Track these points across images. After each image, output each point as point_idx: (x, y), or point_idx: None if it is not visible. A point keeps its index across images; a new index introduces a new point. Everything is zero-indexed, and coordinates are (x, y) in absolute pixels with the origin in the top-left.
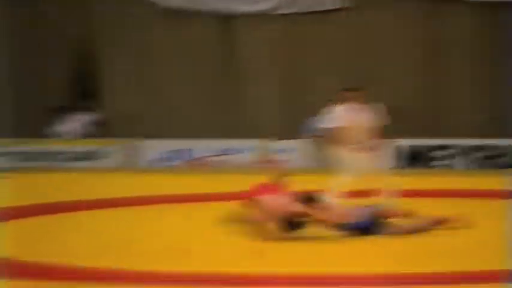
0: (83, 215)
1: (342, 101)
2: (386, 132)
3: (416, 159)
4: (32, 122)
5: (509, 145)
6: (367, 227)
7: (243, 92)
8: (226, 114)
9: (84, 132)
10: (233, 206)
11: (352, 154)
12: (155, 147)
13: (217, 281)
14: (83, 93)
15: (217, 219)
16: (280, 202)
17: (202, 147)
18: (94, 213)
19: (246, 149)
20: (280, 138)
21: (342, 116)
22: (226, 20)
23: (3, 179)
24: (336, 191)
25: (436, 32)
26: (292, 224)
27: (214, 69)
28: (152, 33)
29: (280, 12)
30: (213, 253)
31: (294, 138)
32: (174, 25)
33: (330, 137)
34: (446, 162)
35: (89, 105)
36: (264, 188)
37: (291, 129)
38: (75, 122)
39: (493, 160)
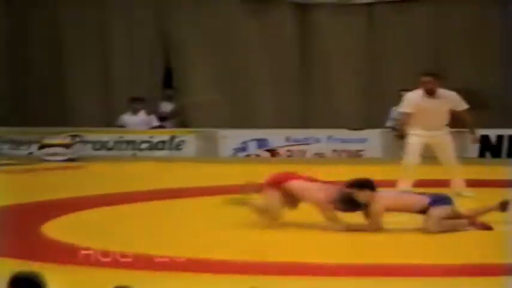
0: (160, 205)
1: (418, 86)
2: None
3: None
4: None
5: None
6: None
7: (321, 82)
8: (303, 103)
9: (162, 123)
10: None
11: (420, 139)
12: (232, 137)
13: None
14: (163, 83)
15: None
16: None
17: (279, 137)
18: (173, 202)
19: (324, 138)
20: (360, 128)
21: (415, 101)
22: (304, 8)
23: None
24: (403, 179)
25: None
26: (352, 203)
27: (292, 59)
28: (229, 21)
29: (358, 1)
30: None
31: (373, 128)
32: (252, 13)
33: (403, 123)
34: None
35: (168, 95)
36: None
37: (370, 119)
38: (152, 113)
39: None
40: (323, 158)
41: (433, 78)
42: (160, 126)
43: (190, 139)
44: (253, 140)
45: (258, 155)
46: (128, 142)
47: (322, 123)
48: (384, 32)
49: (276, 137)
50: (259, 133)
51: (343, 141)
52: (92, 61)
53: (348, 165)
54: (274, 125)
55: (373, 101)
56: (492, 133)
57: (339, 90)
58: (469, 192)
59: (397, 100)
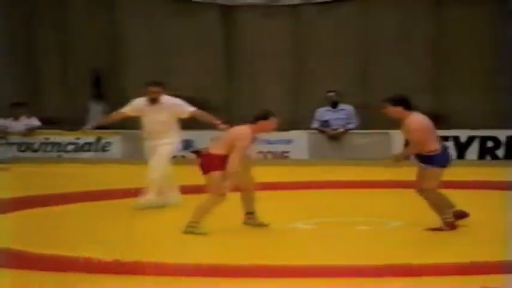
0: (86, 206)
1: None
2: None
3: None
4: None
5: None
6: None
7: (247, 83)
8: (229, 104)
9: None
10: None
11: (150, 143)
12: None
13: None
14: (92, 84)
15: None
16: None
17: (205, 138)
18: (98, 204)
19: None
20: (285, 129)
21: (137, 106)
22: (231, 9)
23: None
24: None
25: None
26: None
27: (218, 60)
28: (157, 21)
29: (283, 3)
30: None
31: (299, 129)
32: (179, 14)
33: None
34: None
35: (96, 95)
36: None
37: (296, 120)
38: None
39: None
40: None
41: (158, 88)
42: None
43: (116, 140)
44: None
45: (183, 157)
46: (54, 144)
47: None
48: (310, 33)
49: (202, 138)
50: (185, 134)
51: (269, 142)
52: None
53: (274, 167)
54: (200, 126)
55: (299, 102)
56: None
57: (265, 91)
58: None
59: (323, 101)
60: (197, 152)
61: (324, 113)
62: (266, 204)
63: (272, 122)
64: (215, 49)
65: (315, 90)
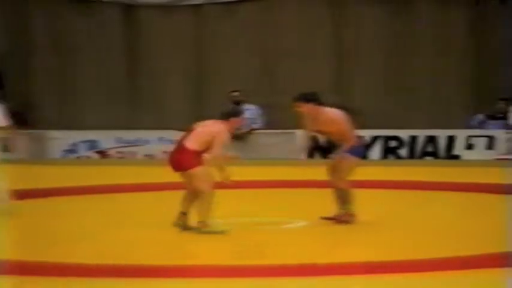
0: None
1: None
2: None
3: None
4: None
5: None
6: None
7: (150, 82)
8: (133, 104)
9: None
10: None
11: None
12: (62, 139)
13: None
14: None
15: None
16: None
17: (110, 138)
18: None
19: (154, 139)
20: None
21: None
22: (132, 8)
23: None
24: None
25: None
26: None
27: (120, 59)
28: (58, 20)
29: (186, 3)
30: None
31: None
32: (79, 12)
33: None
34: None
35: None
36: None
37: (200, 119)
38: None
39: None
40: (153, 159)
41: None
42: None
43: (19, 140)
44: (83, 141)
45: (88, 157)
46: None
47: (152, 124)
48: (214, 33)
49: (106, 138)
50: (89, 134)
51: (173, 142)
52: None
53: None
54: (104, 126)
55: (203, 102)
56: None
57: (168, 90)
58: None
59: (227, 101)
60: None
61: None
62: (172, 204)
63: (242, 119)
64: (117, 48)
65: (219, 90)
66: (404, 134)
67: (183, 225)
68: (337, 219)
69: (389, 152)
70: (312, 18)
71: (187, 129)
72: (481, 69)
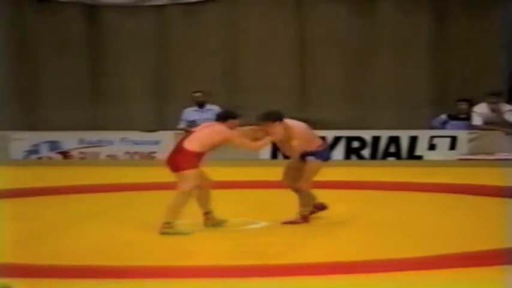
0: None
1: None
2: None
3: None
4: None
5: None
6: None
7: (112, 83)
8: (95, 104)
9: None
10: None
11: None
12: (24, 140)
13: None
14: None
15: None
16: None
17: (72, 139)
18: None
19: (117, 140)
20: (152, 130)
21: None
22: (95, 9)
23: None
24: None
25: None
26: None
27: (82, 60)
28: (19, 20)
29: (149, 3)
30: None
31: (166, 129)
32: (40, 12)
33: None
34: None
35: None
36: None
37: (163, 120)
38: None
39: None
40: (116, 160)
41: None
42: None
43: None
44: (45, 142)
45: (50, 158)
46: None
47: (115, 125)
48: (177, 33)
49: (69, 139)
50: (51, 135)
51: (136, 143)
52: None
53: (141, 167)
54: (66, 127)
55: (166, 102)
56: None
57: (131, 91)
58: None
59: (190, 102)
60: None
61: (190, 113)
62: (135, 205)
63: (238, 121)
64: (79, 49)
65: (183, 90)
66: (366, 134)
67: (212, 223)
68: (297, 221)
69: (352, 152)
70: (274, 19)
71: (187, 131)
72: (444, 69)
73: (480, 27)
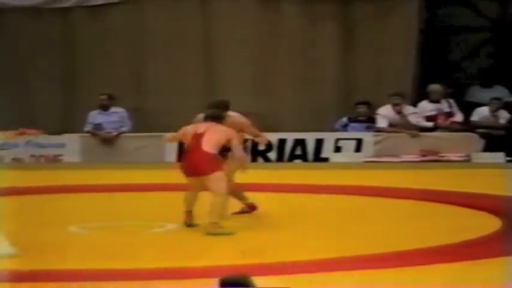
0: None
1: None
2: None
3: None
4: None
5: None
6: None
7: (16, 87)
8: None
9: None
10: None
11: None
12: None
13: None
14: None
15: None
16: None
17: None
18: None
19: (22, 143)
20: (58, 133)
21: None
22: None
23: None
24: None
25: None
26: None
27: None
28: None
29: (53, 6)
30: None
31: (71, 132)
32: None
33: None
34: None
35: None
36: None
37: (68, 123)
38: None
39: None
40: (21, 163)
41: None
42: None
43: None
44: None
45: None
46: None
47: (17, 127)
48: (82, 36)
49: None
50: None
51: (41, 146)
52: None
53: (47, 170)
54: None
55: (71, 105)
56: None
57: (37, 94)
58: None
59: (96, 104)
60: None
61: (96, 116)
62: (39, 208)
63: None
64: None
65: (88, 93)
66: (272, 137)
67: (190, 223)
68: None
69: (258, 154)
70: (181, 19)
71: (192, 134)
72: (348, 72)
73: (384, 29)
